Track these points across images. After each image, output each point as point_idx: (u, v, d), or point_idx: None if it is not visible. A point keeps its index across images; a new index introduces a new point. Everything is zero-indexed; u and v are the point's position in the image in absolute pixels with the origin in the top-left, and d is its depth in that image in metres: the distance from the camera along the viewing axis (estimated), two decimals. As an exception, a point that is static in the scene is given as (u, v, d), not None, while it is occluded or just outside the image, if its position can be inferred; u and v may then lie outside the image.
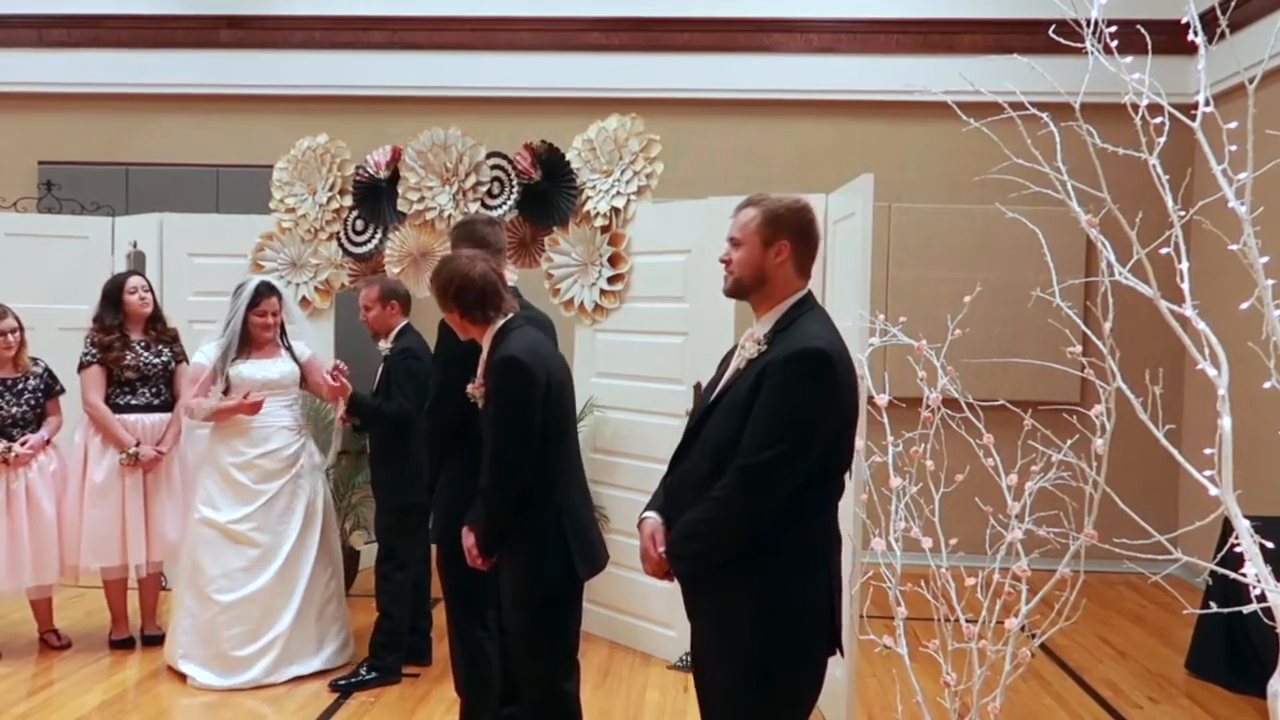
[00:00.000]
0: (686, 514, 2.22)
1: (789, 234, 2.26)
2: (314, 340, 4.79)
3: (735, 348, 2.34)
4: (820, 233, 2.34)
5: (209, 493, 4.35)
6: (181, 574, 4.43)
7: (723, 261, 2.34)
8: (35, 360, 4.65)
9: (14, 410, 4.53)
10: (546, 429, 2.84)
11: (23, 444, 4.49)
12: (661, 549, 2.28)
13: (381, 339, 4.38)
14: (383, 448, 4.36)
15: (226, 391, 4.35)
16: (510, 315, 2.95)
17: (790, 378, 2.12)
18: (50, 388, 4.66)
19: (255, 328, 4.37)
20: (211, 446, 4.41)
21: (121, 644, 4.73)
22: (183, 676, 4.30)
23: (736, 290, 2.34)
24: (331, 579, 4.49)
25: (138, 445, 4.55)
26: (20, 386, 4.56)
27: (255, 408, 4.28)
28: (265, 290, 4.41)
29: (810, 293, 2.31)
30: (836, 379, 2.15)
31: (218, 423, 4.36)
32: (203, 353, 4.42)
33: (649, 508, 2.39)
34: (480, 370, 2.93)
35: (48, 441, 4.61)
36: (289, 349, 4.51)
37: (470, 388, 2.93)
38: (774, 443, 2.09)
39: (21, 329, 4.56)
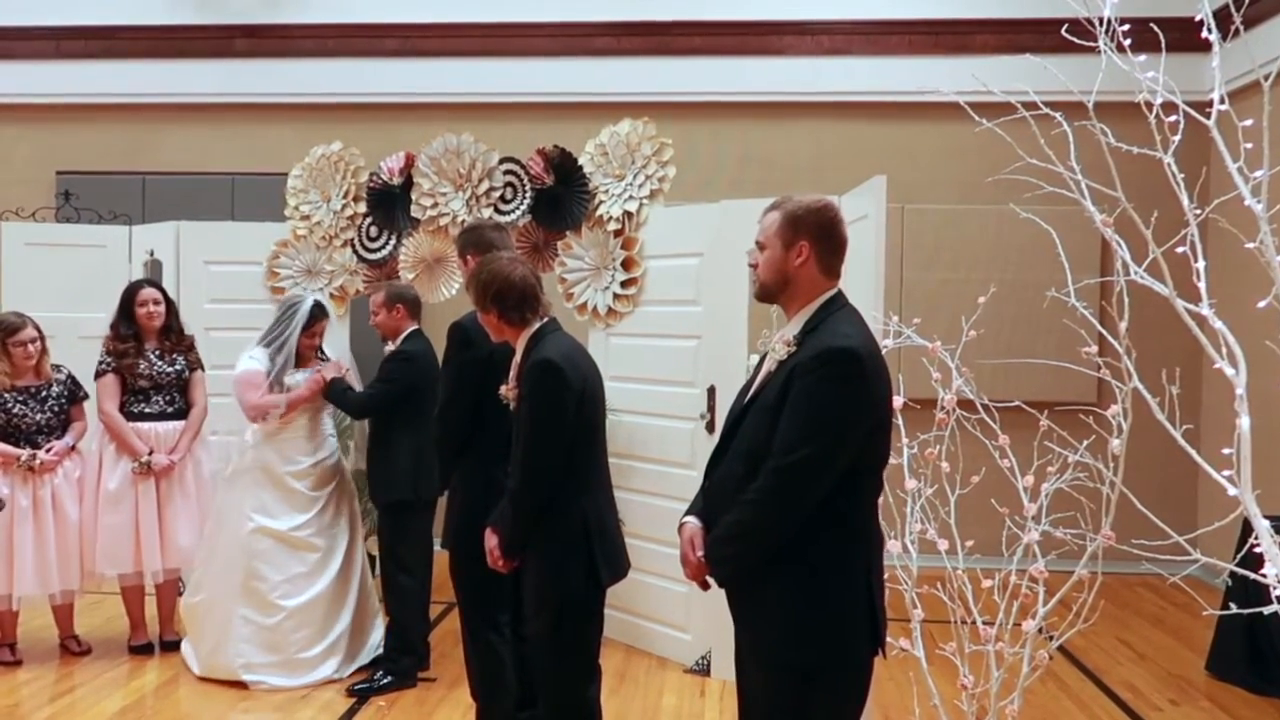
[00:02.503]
0: (722, 518, 2.21)
1: (808, 234, 2.25)
2: (329, 347, 4.81)
3: (767, 351, 2.34)
4: (846, 231, 2.33)
5: (263, 501, 4.39)
6: (224, 584, 4.38)
7: (751, 266, 2.35)
8: (58, 367, 4.70)
9: (38, 417, 4.57)
10: (577, 435, 2.85)
11: (48, 450, 4.54)
12: (700, 554, 2.28)
13: (391, 342, 4.47)
14: (372, 442, 4.47)
15: None
16: (545, 319, 2.96)
17: (819, 378, 2.11)
18: (74, 394, 4.70)
19: (304, 348, 4.47)
20: (262, 455, 4.42)
21: (140, 650, 4.76)
22: (242, 685, 4.31)
23: (764, 294, 2.34)
24: (369, 576, 4.66)
25: (150, 454, 4.58)
26: (44, 394, 4.61)
27: (320, 385, 4.39)
28: (320, 314, 4.52)
29: (840, 292, 2.30)
30: (865, 377, 2.13)
31: (288, 415, 4.40)
32: (253, 358, 4.41)
33: (688, 513, 2.39)
34: (513, 373, 2.94)
35: (72, 447, 4.65)
36: (324, 359, 4.60)
37: (503, 390, 2.94)
38: (804, 443, 2.09)
39: (42, 337, 4.60)
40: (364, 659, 4.52)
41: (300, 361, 4.48)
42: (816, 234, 2.26)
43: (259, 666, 4.33)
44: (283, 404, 4.37)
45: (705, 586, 2.37)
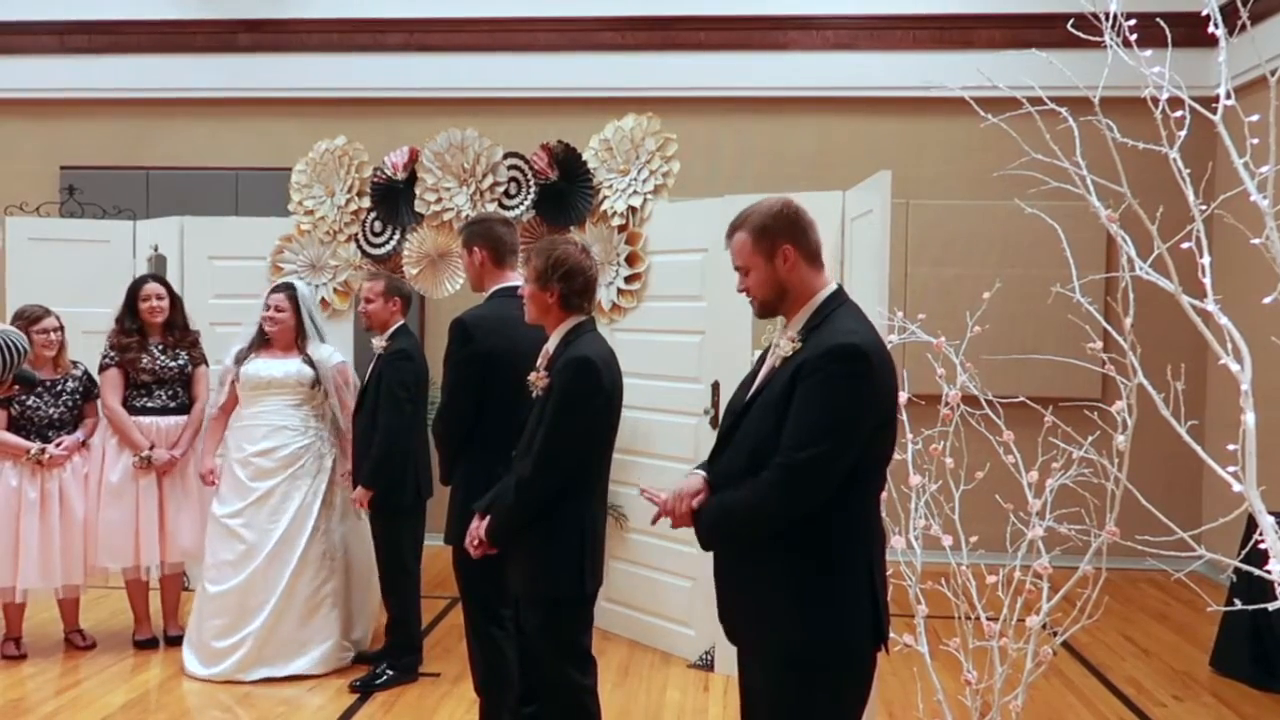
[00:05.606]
0: (730, 490, 2.18)
1: (785, 237, 2.23)
2: (333, 342, 4.80)
3: (770, 346, 2.32)
4: (811, 216, 2.31)
5: (220, 487, 4.50)
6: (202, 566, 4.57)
7: (742, 291, 2.32)
8: (75, 363, 4.73)
9: (52, 412, 4.59)
10: (594, 439, 2.86)
11: (57, 445, 4.55)
12: (695, 504, 2.24)
13: (377, 334, 4.43)
14: (366, 444, 4.34)
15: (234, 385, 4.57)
16: (587, 316, 2.96)
17: (826, 375, 2.09)
18: (88, 391, 4.72)
19: (263, 322, 4.51)
20: (227, 442, 4.56)
21: (145, 644, 4.78)
22: (245, 681, 4.33)
23: (765, 310, 2.32)
24: (327, 583, 4.45)
25: (151, 449, 4.60)
26: (59, 388, 4.63)
27: (364, 498, 4.28)
28: (277, 288, 4.57)
29: (840, 288, 2.29)
30: (873, 375, 2.12)
31: (230, 405, 4.59)
32: (230, 353, 4.60)
33: (700, 467, 2.35)
34: (542, 361, 2.93)
35: (83, 443, 4.67)
36: (305, 350, 4.54)
37: (532, 377, 2.92)
38: (813, 442, 2.07)
39: (62, 329, 4.63)
40: (294, 668, 4.35)
41: (273, 345, 4.51)
42: (791, 233, 2.24)
43: (192, 645, 4.45)
44: (213, 410, 4.62)
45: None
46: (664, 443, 4.77)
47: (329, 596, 4.46)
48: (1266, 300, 2.16)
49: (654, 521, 2.35)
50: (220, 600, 4.35)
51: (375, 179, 5.20)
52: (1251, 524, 2.16)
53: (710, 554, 2.34)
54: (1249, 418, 2.10)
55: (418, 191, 5.11)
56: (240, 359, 4.51)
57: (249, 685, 4.28)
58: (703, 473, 2.32)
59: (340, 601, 4.51)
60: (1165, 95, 2.27)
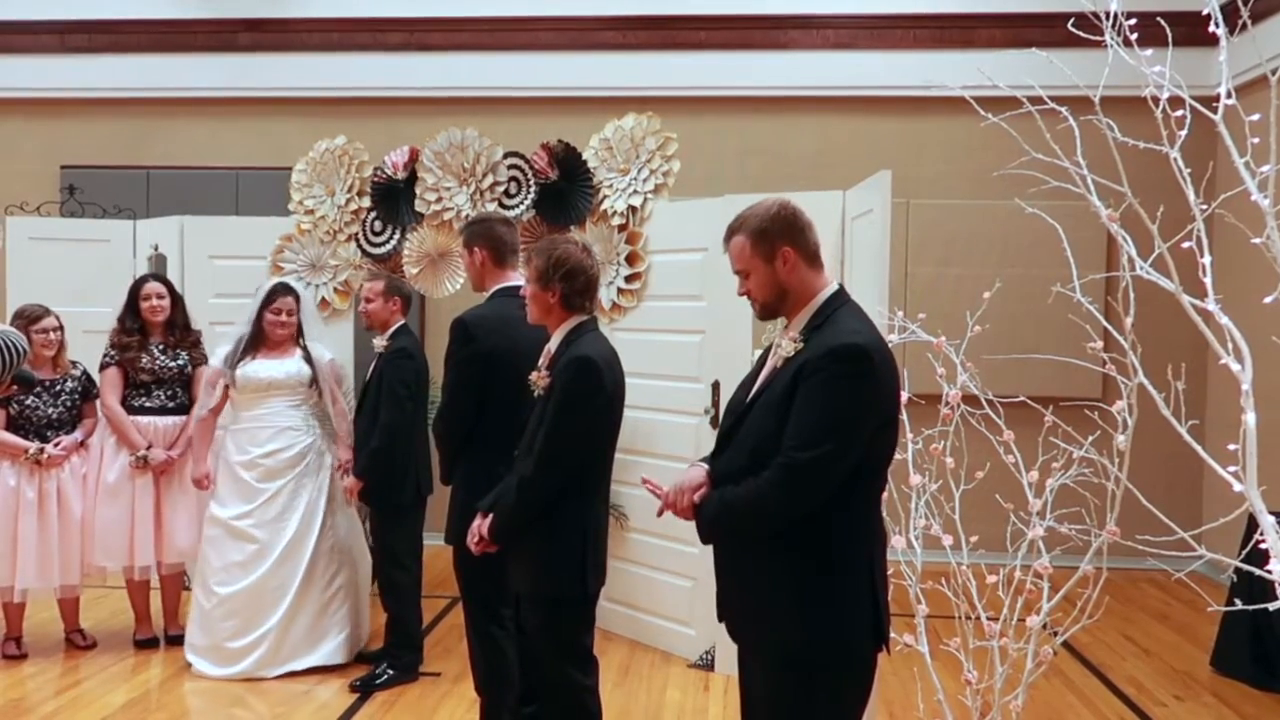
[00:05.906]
0: (732, 486, 2.18)
1: (785, 239, 2.23)
2: (333, 341, 4.81)
3: (770, 346, 2.32)
4: (808, 217, 2.31)
5: (218, 489, 4.48)
6: (197, 569, 4.55)
7: (743, 295, 2.32)
8: (75, 363, 4.73)
9: (50, 411, 4.59)
10: (596, 439, 2.87)
11: (56, 445, 4.55)
12: (697, 498, 2.24)
13: (378, 334, 4.45)
14: (366, 441, 4.38)
15: (228, 389, 4.51)
16: (589, 316, 2.96)
17: (829, 375, 2.09)
18: (88, 391, 4.72)
19: (269, 325, 4.46)
20: (223, 445, 4.54)
21: (145, 644, 4.78)
22: (246, 680, 4.34)
23: (767, 312, 2.32)
24: (337, 576, 4.50)
25: (148, 448, 4.60)
26: (58, 388, 4.63)
27: (355, 488, 4.33)
28: (280, 289, 4.53)
29: (842, 287, 2.29)
30: (875, 375, 2.12)
31: (219, 408, 4.57)
32: (216, 355, 4.56)
33: (704, 459, 2.35)
34: (544, 360, 2.93)
35: (82, 443, 4.67)
36: (304, 349, 4.55)
37: (533, 376, 2.93)
38: (815, 442, 2.06)
39: (62, 329, 4.63)
40: (314, 660, 4.40)
41: (271, 346, 4.48)
42: (790, 235, 2.24)
43: (199, 649, 4.43)
44: (203, 411, 4.55)
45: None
46: (665, 442, 4.77)
47: (341, 590, 4.51)
48: (1267, 300, 2.16)
49: (660, 514, 2.35)
50: (231, 602, 4.35)
51: (375, 178, 5.20)
52: (1252, 524, 2.16)
53: (710, 554, 2.34)
54: (1249, 418, 2.10)
55: (418, 191, 5.11)
56: (234, 362, 4.47)
57: (250, 685, 4.28)
58: (705, 465, 2.32)
59: (350, 594, 4.56)
60: (1166, 94, 2.27)
